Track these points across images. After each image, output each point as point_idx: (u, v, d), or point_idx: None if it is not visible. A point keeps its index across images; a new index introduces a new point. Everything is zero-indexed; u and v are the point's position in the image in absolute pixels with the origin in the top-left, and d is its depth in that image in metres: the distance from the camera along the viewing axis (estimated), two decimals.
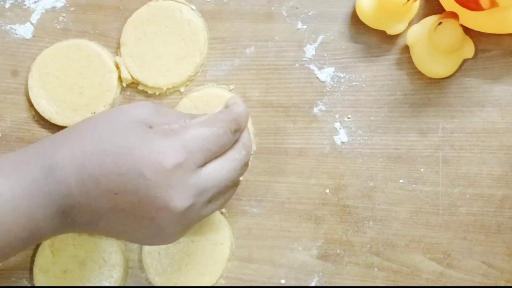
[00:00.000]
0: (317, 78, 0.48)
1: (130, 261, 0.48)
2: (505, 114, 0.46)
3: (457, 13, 0.44)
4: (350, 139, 0.47)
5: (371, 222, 0.46)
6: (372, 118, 0.47)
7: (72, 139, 0.36)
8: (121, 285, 0.47)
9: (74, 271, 0.46)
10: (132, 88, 0.49)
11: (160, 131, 0.36)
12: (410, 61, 0.47)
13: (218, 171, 0.37)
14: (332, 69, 0.48)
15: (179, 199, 0.35)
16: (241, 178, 0.47)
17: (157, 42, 0.48)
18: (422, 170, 0.46)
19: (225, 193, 0.40)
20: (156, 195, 0.35)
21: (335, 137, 0.47)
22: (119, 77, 0.48)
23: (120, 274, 0.46)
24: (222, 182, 0.37)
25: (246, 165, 0.40)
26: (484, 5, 0.42)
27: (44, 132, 0.49)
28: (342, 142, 0.47)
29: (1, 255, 0.36)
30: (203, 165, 0.37)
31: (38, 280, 0.46)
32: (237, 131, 0.39)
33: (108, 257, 0.46)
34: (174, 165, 0.35)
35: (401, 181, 0.47)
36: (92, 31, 0.49)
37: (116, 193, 0.35)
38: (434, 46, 0.45)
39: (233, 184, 0.40)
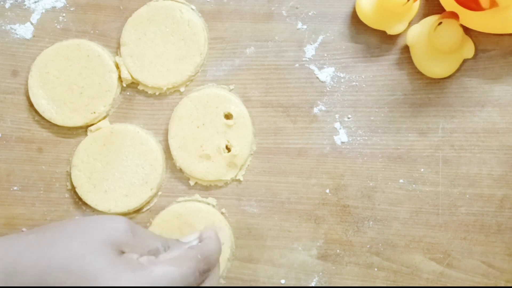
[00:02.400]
0: (317, 78, 0.48)
1: None
2: (505, 114, 0.46)
3: (457, 13, 0.44)
4: (350, 139, 0.47)
5: (371, 222, 0.46)
6: (372, 118, 0.47)
7: (42, 247, 0.36)
8: None
9: None
10: (132, 88, 0.49)
11: (129, 262, 0.36)
12: (410, 61, 0.47)
13: None
14: (332, 69, 0.48)
15: None
16: (241, 178, 0.47)
17: (157, 42, 0.48)
18: (422, 170, 0.46)
19: None
20: None
21: (335, 137, 0.47)
22: (119, 77, 0.48)
23: None
24: None
25: None
26: (484, 5, 0.42)
27: (44, 132, 0.49)
28: (342, 142, 0.47)
29: None
30: None
31: None
32: (206, 271, 0.39)
33: None
34: None
35: (401, 181, 0.47)
36: (92, 31, 0.49)
37: None
38: (434, 46, 0.45)
39: None
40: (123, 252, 0.36)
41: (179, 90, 0.48)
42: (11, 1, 0.50)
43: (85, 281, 0.34)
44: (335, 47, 0.48)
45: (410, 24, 0.47)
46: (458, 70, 0.46)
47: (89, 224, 0.37)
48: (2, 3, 0.50)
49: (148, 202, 0.47)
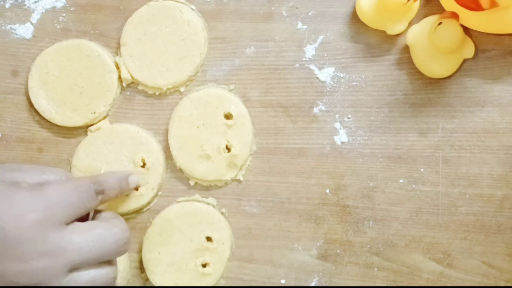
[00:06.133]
0: (317, 78, 0.48)
1: (131, 261, 0.48)
2: (505, 114, 0.46)
3: (457, 13, 0.44)
4: (350, 139, 0.47)
5: (371, 222, 0.46)
6: (372, 118, 0.47)
7: None
8: (122, 285, 0.47)
9: None
10: (132, 88, 0.49)
11: (22, 186, 0.36)
12: (410, 61, 0.47)
13: (82, 233, 0.36)
14: (332, 69, 0.48)
15: (33, 254, 0.35)
16: (241, 179, 0.47)
17: (157, 42, 0.48)
18: (422, 170, 0.46)
19: (96, 267, 0.38)
20: (13, 249, 0.34)
21: (335, 137, 0.47)
22: (119, 77, 0.48)
23: (125, 274, 0.46)
24: (86, 248, 0.36)
25: (119, 249, 0.39)
26: (484, 5, 0.42)
27: (44, 132, 0.49)
28: (342, 142, 0.47)
29: None
30: (67, 223, 0.36)
31: None
32: (100, 193, 0.39)
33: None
34: (36, 219, 0.35)
35: (401, 181, 0.47)
36: (92, 31, 0.49)
37: None
38: (434, 46, 0.45)
39: (108, 261, 0.39)
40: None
41: (179, 90, 0.48)
42: (11, 1, 0.50)
43: None
44: (335, 47, 0.48)
45: (410, 24, 0.47)
46: (458, 70, 0.46)
47: None
48: (2, 3, 0.50)
49: (148, 202, 0.47)
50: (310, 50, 0.48)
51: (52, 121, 0.48)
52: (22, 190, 0.36)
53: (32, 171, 0.39)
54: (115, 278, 0.39)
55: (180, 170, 0.47)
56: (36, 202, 0.35)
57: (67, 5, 0.49)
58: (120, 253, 0.39)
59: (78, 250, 0.36)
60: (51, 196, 0.36)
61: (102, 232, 0.38)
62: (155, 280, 0.46)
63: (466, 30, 0.46)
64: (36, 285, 0.35)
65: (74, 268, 0.36)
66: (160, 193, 0.48)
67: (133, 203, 0.47)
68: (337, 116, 0.47)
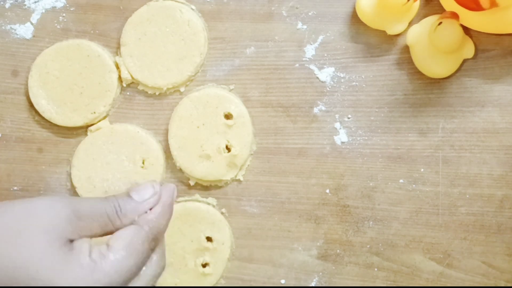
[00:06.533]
0: (317, 78, 0.48)
1: None
2: (505, 114, 0.46)
3: (457, 13, 0.44)
4: (350, 139, 0.47)
5: (371, 222, 0.47)
6: (372, 118, 0.47)
7: None
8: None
9: None
10: (132, 88, 0.49)
11: (80, 260, 0.34)
12: (410, 61, 0.47)
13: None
14: (332, 69, 0.48)
15: None
16: (241, 178, 0.47)
17: (157, 42, 0.48)
18: (422, 170, 0.46)
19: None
20: None
21: (335, 137, 0.47)
22: (119, 77, 0.48)
23: None
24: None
25: (163, 267, 0.39)
26: (484, 5, 0.42)
27: (44, 132, 0.49)
28: (342, 142, 0.47)
29: None
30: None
31: None
32: (155, 246, 0.38)
33: None
34: None
35: (401, 181, 0.47)
36: (92, 31, 0.49)
37: None
38: (434, 46, 0.45)
39: None
40: (71, 240, 0.35)
41: (179, 90, 0.48)
42: (11, 1, 0.50)
43: (38, 282, 0.33)
44: (335, 47, 0.48)
45: (410, 24, 0.47)
46: (458, 70, 0.46)
47: (28, 219, 0.34)
48: (2, 3, 0.50)
49: None
50: (310, 50, 0.48)
51: (52, 121, 0.48)
52: (81, 268, 0.34)
53: (91, 214, 0.36)
54: None
55: (180, 170, 0.47)
56: (93, 281, 0.34)
57: (67, 5, 0.49)
58: None
59: None
60: (111, 273, 0.34)
61: (154, 277, 0.37)
62: None
63: (466, 30, 0.46)
64: None
65: None
66: None
67: None
68: (337, 116, 0.47)
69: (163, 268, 0.39)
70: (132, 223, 0.37)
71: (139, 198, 0.38)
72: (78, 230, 0.35)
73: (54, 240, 0.34)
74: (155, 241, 0.37)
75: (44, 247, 0.33)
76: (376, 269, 0.46)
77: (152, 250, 0.37)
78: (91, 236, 0.36)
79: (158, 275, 0.38)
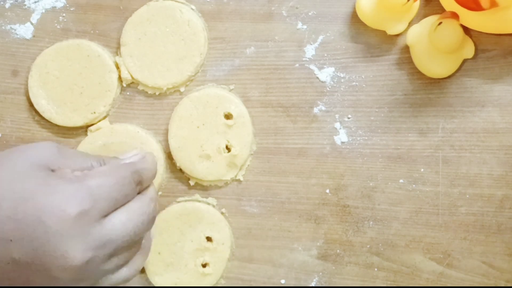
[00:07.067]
0: (317, 78, 0.48)
1: None
2: (505, 114, 0.46)
3: (457, 13, 0.44)
4: (350, 139, 0.47)
5: (371, 222, 0.47)
6: (372, 118, 0.47)
7: None
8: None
9: None
10: (132, 88, 0.49)
11: (63, 176, 0.35)
12: (410, 61, 0.47)
13: (123, 222, 0.35)
14: (332, 69, 0.48)
15: (78, 250, 0.33)
16: (241, 178, 0.47)
17: (157, 42, 0.48)
18: (422, 170, 0.46)
19: (129, 248, 0.37)
20: (55, 245, 0.33)
21: (335, 137, 0.47)
22: (119, 77, 0.48)
23: None
24: (127, 236, 0.36)
25: (153, 219, 0.39)
26: (484, 5, 0.42)
27: (44, 132, 0.49)
28: (342, 142, 0.47)
29: None
30: (107, 215, 0.35)
31: None
32: (140, 183, 0.38)
33: None
34: (78, 213, 0.33)
35: (401, 181, 0.47)
36: (92, 31, 0.49)
37: (11, 240, 0.33)
38: (434, 46, 0.45)
39: (138, 239, 0.38)
40: (54, 171, 0.36)
41: (179, 90, 0.48)
42: (11, 1, 0.50)
43: (20, 202, 0.33)
44: (335, 47, 0.48)
45: (410, 24, 0.47)
46: (458, 70, 0.46)
47: (15, 153, 0.36)
48: (2, 3, 0.50)
49: None
50: (310, 50, 0.48)
51: (52, 121, 0.48)
52: (64, 181, 0.34)
53: (75, 156, 0.38)
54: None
55: (180, 170, 0.47)
56: (79, 195, 0.34)
57: (67, 5, 0.49)
58: (152, 221, 0.39)
59: (120, 240, 0.35)
60: (93, 189, 0.34)
61: (144, 218, 0.37)
62: (155, 280, 0.46)
63: (466, 30, 0.46)
64: (78, 281, 0.34)
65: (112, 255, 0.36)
66: (160, 193, 0.48)
67: None
68: (337, 116, 0.47)
69: (156, 207, 0.39)
70: None
71: (122, 156, 0.40)
72: (62, 163, 0.36)
73: (37, 165, 0.35)
74: (140, 178, 0.38)
75: (27, 167, 0.35)
76: (376, 269, 0.46)
77: (136, 185, 0.37)
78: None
79: (152, 212, 0.38)
